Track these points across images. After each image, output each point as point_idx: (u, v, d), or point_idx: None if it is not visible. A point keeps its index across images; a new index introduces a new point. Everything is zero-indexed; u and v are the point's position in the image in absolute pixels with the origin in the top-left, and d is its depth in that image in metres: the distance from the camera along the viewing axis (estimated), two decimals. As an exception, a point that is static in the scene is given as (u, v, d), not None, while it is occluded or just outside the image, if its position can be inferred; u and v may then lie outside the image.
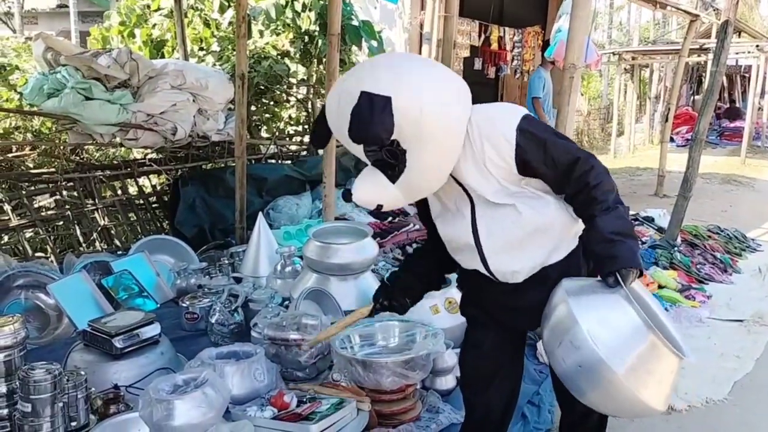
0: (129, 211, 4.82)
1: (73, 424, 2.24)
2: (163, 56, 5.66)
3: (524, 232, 1.85)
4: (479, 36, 7.78)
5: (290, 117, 6.20)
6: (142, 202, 4.98)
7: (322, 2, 5.36)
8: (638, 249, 1.79)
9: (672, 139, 13.29)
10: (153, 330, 2.92)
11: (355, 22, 5.71)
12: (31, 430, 2.08)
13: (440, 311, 3.10)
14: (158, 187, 5.12)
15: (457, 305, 3.16)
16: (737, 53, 14.40)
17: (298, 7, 5.35)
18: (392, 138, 1.68)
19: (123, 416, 2.35)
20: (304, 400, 2.28)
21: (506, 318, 2.07)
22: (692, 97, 17.85)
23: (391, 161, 1.73)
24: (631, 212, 6.13)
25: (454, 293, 3.21)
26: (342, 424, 2.16)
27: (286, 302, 3.45)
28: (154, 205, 5.07)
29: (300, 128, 6.22)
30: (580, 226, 1.88)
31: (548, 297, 1.82)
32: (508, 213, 1.84)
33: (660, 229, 5.45)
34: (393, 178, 1.76)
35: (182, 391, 2.05)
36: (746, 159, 11.90)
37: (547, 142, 1.76)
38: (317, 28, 5.44)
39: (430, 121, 1.71)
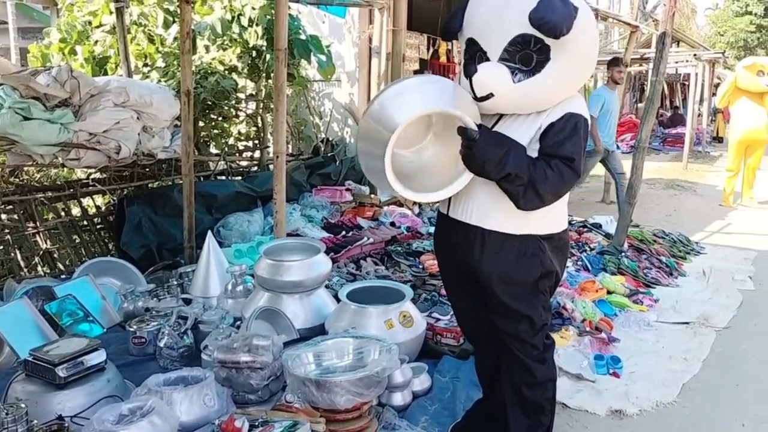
0: (72, 234, 4.66)
1: (14, 458, 2.14)
2: (106, 73, 5.51)
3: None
4: (428, 49, 7.84)
5: (240, 132, 6.12)
6: (86, 223, 4.82)
7: (268, 17, 5.32)
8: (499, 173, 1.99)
9: (617, 147, 13.67)
10: (98, 357, 2.81)
11: (303, 37, 5.68)
12: (-36, 469, 1.97)
13: (395, 325, 3.08)
14: (103, 208, 4.97)
15: (412, 319, 3.17)
16: (677, 62, 14.94)
17: (244, 22, 5.29)
18: (548, 44, 1.93)
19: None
20: (257, 424, 2.22)
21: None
22: (635, 105, 18.40)
23: (531, 60, 1.95)
24: (580, 219, 6.28)
25: (408, 307, 3.21)
26: (295, 448, 2.11)
27: (238, 322, 3.38)
28: (98, 227, 4.91)
29: (250, 143, 6.14)
30: (523, 219, 2.10)
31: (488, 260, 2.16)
32: None
33: (608, 236, 5.57)
34: (519, 78, 1.97)
35: (128, 421, 1.99)
36: (688, 164, 12.31)
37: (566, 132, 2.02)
38: (265, 43, 5.39)
39: (583, 58, 2.04)
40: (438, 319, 3.47)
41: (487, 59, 2.02)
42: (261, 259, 3.40)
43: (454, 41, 8.54)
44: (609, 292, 4.21)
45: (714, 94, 18.70)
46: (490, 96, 2.01)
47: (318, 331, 3.20)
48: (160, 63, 5.77)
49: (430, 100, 2.00)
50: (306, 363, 2.61)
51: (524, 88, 1.99)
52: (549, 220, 2.15)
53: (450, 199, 2.22)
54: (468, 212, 2.16)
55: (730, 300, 4.44)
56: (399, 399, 2.84)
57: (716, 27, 41.71)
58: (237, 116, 6.16)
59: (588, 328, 3.62)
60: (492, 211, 2.12)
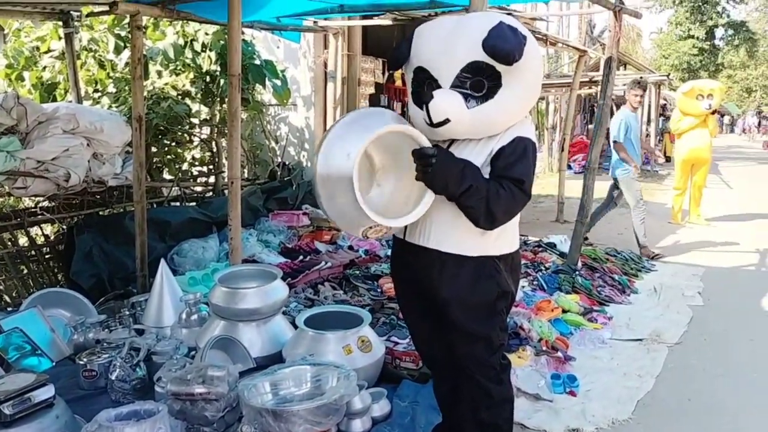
0: (19, 264, 4.51)
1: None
2: (54, 99, 5.39)
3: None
4: (383, 73, 7.93)
5: (194, 158, 6.04)
6: (33, 253, 4.67)
7: (222, 42, 5.30)
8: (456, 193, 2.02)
9: (570, 167, 13.98)
10: (46, 392, 2.71)
11: (257, 62, 5.67)
12: None
13: (353, 351, 3.06)
14: (51, 237, 4.83)
15: (370, 344, 3.15)
16: (624, 84, 15.43)
17: (197, 47, 5.26)
18: (499, 70, 2.00)
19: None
20: (212, 457, 2.17)
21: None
22: (586, 127, 18.88)
23: (482, 87, 2.01)
24: (535, 239, 6.38)
25: (366, 332, 3.19)
26: (252, 480, 2.07)
27: (193, 353, 3.31)
28: (47, 256, 4.76)
29: (204, 169, 6.07)
30: (479, 241, 2.13)
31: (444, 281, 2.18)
32: None
33: (562, 255, 5.67)
34: (472, 103, 2.03)
35: (76, 461, 1.91)
36: (638, 183, 12.63)
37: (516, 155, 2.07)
38: (219, 68, 5.37)
39: (533, 81, 2.12)
40: (397, 343, 3.47)
41: (438, 86, 2.06)
42: (216, 287, 3.35)
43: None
44: (564, 311, 4.27)
45: (661, 115, 19.40)
46: (446, 122, 2.03)
47: (275, 359, 3.16)
48: (111, 89, 5.68)
49: (375, 128, 2.02)
50: (263, 393, 2.56)
51: (479, 113, 2.03)
52: (503, 240, 2.19)
53: (406, 227, 2.23)
54: (425, 236, 2.18)
55: (681, 316, 4.56)
56: (358, 426, 2.81)
57: (661, 50, 43.32)
58: (191, 141, 6.08)
59: (545, 348, 3.66)
60: (449, 234, 2.14)
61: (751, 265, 6.26)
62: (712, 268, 6.02)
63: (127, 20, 5.33)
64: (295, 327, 3.36)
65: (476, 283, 2.16)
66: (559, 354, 3.63)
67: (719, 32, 42.76)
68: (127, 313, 3.97)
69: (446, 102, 2.02)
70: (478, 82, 2.02)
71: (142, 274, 4.43)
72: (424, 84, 2.11)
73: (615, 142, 6.57)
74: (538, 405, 3.14)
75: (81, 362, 3.29)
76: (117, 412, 2.40)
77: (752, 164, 18.57)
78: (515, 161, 2.06)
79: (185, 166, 6.18)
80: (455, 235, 2.15)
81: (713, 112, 8.41)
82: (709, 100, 8.22)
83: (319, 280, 4.61)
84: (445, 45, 2.06)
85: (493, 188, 2.01)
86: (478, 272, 2.16)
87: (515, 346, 3.61)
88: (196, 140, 6.16)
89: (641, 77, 7.70)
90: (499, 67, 1.99)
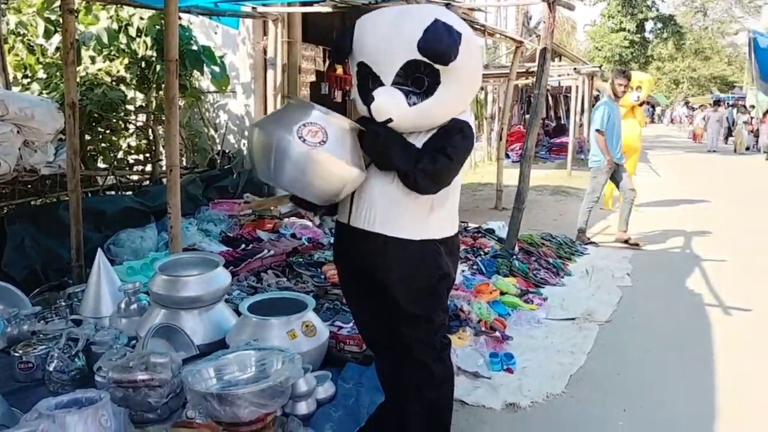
0: (-56, 256, 4.32)
1: None
2: (-21, 85, 5.16)
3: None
4: (324, 61, 7.90)
5: (130, 146, 5.90)
6: (-40, 245, 4.49)
7: (158, 27, 5.18)
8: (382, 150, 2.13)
9: (508, 156, 14.32)
10: (-22, 384, 2.65)
11: (195, 48, 5.57)
12: None
13: (298, 336, 3.09)
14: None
15: (315, 328, 3.19)
16: (559, 75, 15.89)
17: (132, 32, 5.13)
18: (437, 68, 2.04)
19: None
20: (156, 443, 2.18)
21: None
22: (524, 116, 19.32)
23: (422, 84, 2.06)
24: (474, 225, 6.54)
25: (310, 317, 3.23)
26: (198, 463, 2.08)
27: (133, 342, 3.27)
28: (-25, 248, 4.58)
29: (141, 157, 5.94)
30: (421, 224, 2.20)
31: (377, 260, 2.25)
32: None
33: (500, 240, 5.83)
34: (414, 100, 2.09)
35: (16, 450, 1.88)
36: (572, 171, 13.09)
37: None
38: (155, 54, 5.25)
39: (471, 76, 2.18)
40: (341, 327, 3.52)
41: (381, 83, 2.12)
42: (156, 276, 3.31)
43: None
44: (502, 293, 4.42)
45: (594, 105, 20.03)
46: (389, 121, 2.10)
47: (219, 346, 3.15)
48: (41, 74, 5.47)
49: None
50: (207, 378, 2.56)
51: (420, 111, 2.10)
52: (444, 224, 2.26)
53: (350, 208, 2.28)
54: (370, 221, 2.23)
55: (611, 296, 4.79)
56: (303, 408, 2.86)
57: (594, 42, 44.64)
58: (126, 129, 5.94)
59: (483, 328, 3.79)
60: (393, 219, 2.20)
61: (676, 247, 6.60)
62: (640, 251, 6.32)
63: (57, 3, 5.15)
64: (239, 314, 3.37)
65: (419, 265, 2.23)
66: (497, 334, 3.76)
67: (649, 25, 44.44)
68: (64, 304, 3.88)
69: (388, 103, 2.09)
70: (419, 79, 2.08)
71: (77, 264, 4.32)
72: (368, 79, 2.16)
73: (597, 130, 6.55)
74: (477, 382, 3.25)
75: (16, 354, 3.21)
76: (58, 401, 2.36)
77: (680, 152, 19.45)
78: (446, 136, 2.15)
79: (120, 155, 6.03)
80: (399, 220, 2.21)
81: (642, 104, 8.77)
82: (638, 92, 8.55)
83: (262, 268, 4.60)
84: (385, 42, 2.10)
85: (421, 154, 2.10)
86: (421, 255, 2.23)
87: (455, 328, 3.72)
88: (132, 128, 6.01)
89: (623, 69, 7.68)
90: (437, 65, 2.05)
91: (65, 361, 3.09)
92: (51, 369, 3.07)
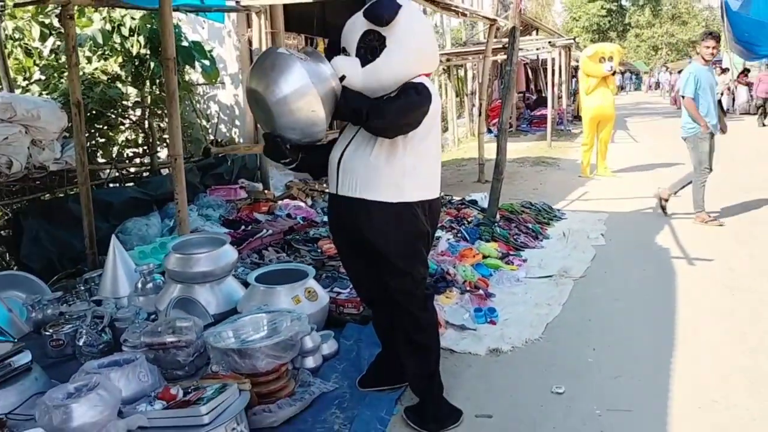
0: (-34, 251, 4.65)
1: (-34, 448, 2.33)
2: (-19, 90, 5.43)
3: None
4: (305, 48, 8.20)
5: (127, 140, 6.20)
6: (-20, 240, 4.82)
7: (149, 27, 5.46)
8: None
9: (489, 131, 14.66)
10: (24, 358, 3.00)
11: (185, 43, 5.86)
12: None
13: (302, 301, 3.46)
14: (-4, 224, 4.97)
15: (316, 294, 3.56)
16: (537, 49, 16.18)
17: (125, 31, 5.40)
18: (384, 34, 2.45)
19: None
20: (189, 390, 2.54)
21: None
22: (503, 91, 19.63)
23: (375, 50, 2.46)
24: (458, 198, 6.91)
25: (311, 283, 3.60)
26: (227, 404, 2.45)
27: (152, 316, 3.63)
28: (-8, 243, 4.91)
29: (138, 150, 6.24)
30: (400, 188, 2.55)
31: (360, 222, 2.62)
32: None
33: (483, 210, 6.21)
34: (365, 63, 2.48)
35: (77, 397, 2.24)
36: (552, 142, 13.47)
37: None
38: (148, 51, 5.53)
39: (415, 45, 2.53)
40: (339, 293, 3.89)
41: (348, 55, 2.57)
42: (170, 254, 3.66)
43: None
44: (485, 257, 4.80)
45: (573, 77, 20.37)
46: (343, 78, 2.50)
47: (230, 315, 3.51)
48: (36, 76, 5.74)
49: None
50: (226, 338, 2.93)
51: (368, 71, 2.50)
52: (420, 190, 2.61)
53: (337, 180, 2.65)
54: (353, 188, 2.60)
55: (586, 254, 5.18)
56: (311, 362, 3.23)
57: (572, 13, 44.86)
58: (123, 124, 6.23)
59: (468, 288, 4.17)
60: (372, 185, 2.56)
61: (648, 208, 7.00)
62: (615, 213, 6.72)
63: (50, 8, 5.42)
64: (246, 286, 3.74)
65: (397, 225, 2.59)
66: (481, 292, 4.15)
67: (625, -7, 44.72)
68: (82, 288, 4.23)
69: (342, 63, 2.51)
70: (372, 48, 2.49)
71: (91, 252, 4.66)
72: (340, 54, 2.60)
73: (683, 97, 6.17)
74: (463, 334, 3.64)
75: (47, 333, 3.55)
76: (100, 362, 2.73)
77: (658, 119, 19.85)
78: (404, 90, 2.50)
79: (117, 149, 6.32)
80: (377, 186, 2.56)
81: (614, 73, 9.15)
82: (610, 62, 8.93)
83: (262, 246, 4.95)
84: (352, 25, 2.57)
85: (389, 99, 2.49)
86: (399, 216, 2.59)
87: (443, 288, 4.10)
88: (127, 122, 6.30)
89: (711, 30, 6.80)
90: (384, 32, 2.46)
91: (93, 336, 3.44)
92: (81, 344, 3.42)
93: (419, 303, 2.73)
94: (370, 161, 2.54)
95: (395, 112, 2.43)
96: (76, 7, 4.64)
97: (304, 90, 2.42)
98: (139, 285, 3.93)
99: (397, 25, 2.44)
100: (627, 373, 3.15)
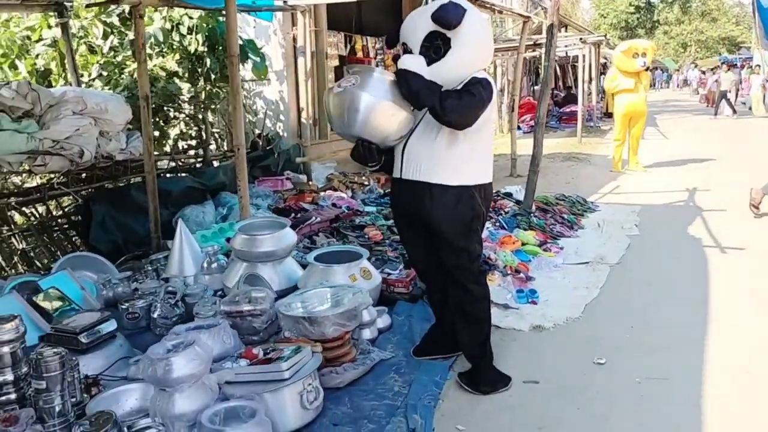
0: (43, 234, 5.02)
1: (72, 399, 2.65)
2: (50, 85, 5.81)
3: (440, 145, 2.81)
4: (345, 46, 8.50)
5: (181, 132, 6.55)
6: (54, 224, 5.18)
7: (207, 25, 5.80)
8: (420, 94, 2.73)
9: (519, 127, 14.84)
10: (111, 326, 3.35)
11: (240, 42, 6.18)
12: (45, 404, 2.48)
13: (357, 279, 3.75)
14: (67, 209, 5.33)
15: (370, 273, 3.85)
16: (566, 46, 16.30)
17: (183, 30, 5.74)
18: (449, 36, 2.70)
19: (113, 390, 2.80)
20: (268, 351, 2.85)
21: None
22: (532, 88, 19.78)
23: (439, 50, 2.73)
24: (494, 191, 7.14)
25: (365, 264, 3.89)
26: (303, 363, 2.75)
27: (219, 292, 3.96)
28: (65, 226, 5.28)
29: (192, 142, 6.60)
30: (459, 172, 2.81)
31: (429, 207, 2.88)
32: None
33: (518, 202, 6.44)
34: (432, 62, 2.73)
35: (176, 351, 2.55)
36: (582, 138, 13.62)
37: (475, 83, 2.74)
38: (206, 49, 5.87)
39: (477, 44, 2.80)
40: (389, 274, 4.17)
41: (411, 53, 2.82)
42: (237, 235, 3.98)
43: (368, 38, 9.24)
44: (523, 244, 5.04)
45: (602, 73, 20.42)
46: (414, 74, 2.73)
47: (291, 291, 3.82)
48: (94, 73, 6.10)
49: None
50: (296, 308, 3.24)
51: (434, 70, 2.75)
52: (476, 174, 2.88)
53: (402, 165, 2.93)
54: (417, 172, 2.87)
55: (620, 243, 5.40)
56: (368, 334, 3.52)
57: (599, 9, 44.60)
58: (176, 118, 6.59)
59: (509, 272, 4.43)
60: (435, 169, 2.83)
61: (680, 201, 7.18)
62: (647, 206, 6.91)
63: (112, 8, 5.79)
64: (303, 268, 4.04)
65: (456, 206, 2.87)
66: (522, 275, 4.40)
67: (654, -10, 44.32)
68: (149, 268, 4.58)
69: (409, 61, 2.75)
70: (436, 47, 2.76)
71: (156, 235, 5.01)
72: (406, 52, 2.85)
73: None
74: (507, 312, 3.90)
75: (123, 307, 3.89)
76: (187, 326, 3.05)
77: (688, 116, 19.82)
78: (471, 84, 2.74)
79: (171, 141, 6.68)
80: (439, 170, 2.84)
81: (647, 69, 9.30)
82: (644, 58, 9.08)
83: (312, 232, 5.26)
84: (414, 25, 2.84)
85: (455, 93, 2.71)
86: (457, 198, 2.86)
87: (486, 271, 4.36)
88: (180, 117, 6.65)
89: None
90: (449, 33, 2.71)
91: (167, 309, 3.77)
92: (155, 316, 3.74)
93: (473, 278, 3.00)
94: (433, 148, 2.81)
95: (467, 108, 2.69)
96: (146, 7, 4.98)
97: (376, 107, 2.70)
98: (205, 265, 4.26)
99: (463, 29, 2.69)
100: (663, 347, 3.38)
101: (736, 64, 26.19)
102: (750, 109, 18.32)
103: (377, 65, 9.36)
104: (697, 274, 4.56)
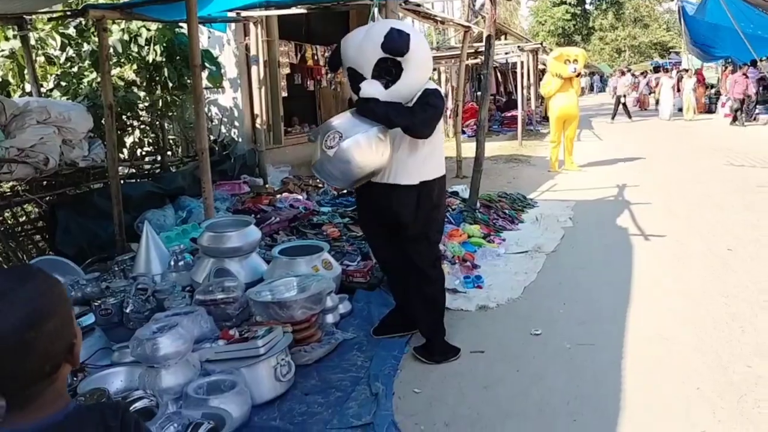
0: (8, 240, 5.17)
1: (65, 382, 2.90)
2: (8, 95, 5.94)
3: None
4: (296, 55, 8.82)
5: (140, 139, 6.75)
6: (20, 230, 5.33)
7: (164, 36, 6.03)
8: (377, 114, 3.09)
9: (464, 131, 15.41)
10: (89, 319, 3.63)
11: (194, 52, 6.43)
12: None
13: (320, 269, 4.09)
14: (31, 216, 5.49)
15: (331, 264, 4.20)
16: (506, 53, 17.00)
17: (141, 41, 5.96)
18: (399, 60, 3.01)
19: (100, 373, 3.07)
20: (244, 332, 3.16)
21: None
22: (475, 94, 20.44)
23: (392, 72, 3.04)
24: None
25: (327, 256, 4.23)
26: (277, 340, 3.08)
27: (187, 288, 4.23)
28: (29, 232, 5.43)
29: (150, 149, 6.80)
30: (419, 173, 3.19)
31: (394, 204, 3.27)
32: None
33: (464, 200, 6.90)
34: (388, 85, 3.07)
35: (161, 332, 2.85)
36: (523, 141, 14.29)
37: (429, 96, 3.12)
38: (164, 59, 6.09)
39: (423, 61, 3.14)
40: (348, 265, 4.53)
41: (363, 78, 3.14)
42: (204, 233, 4.26)
43: (317, 47, 9.51)
44: (469, 237, 5.48)
45: (541, 79, 21.28)
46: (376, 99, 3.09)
47: (257, 284, 4.12)
48: (50, 84, 6.24)
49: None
50: (265, 295, 3.56)
51: (392, 92, 3.10)
52: (434, 169, 3.29)
53: None
54: (383, 177, 3.24)
55: (556, 234, 5.91)
56: (330, 318, 3.87)
57: (537, 17, 46.08)
58: (132, 126, 6.78)
59: (457, 261, 4.85)
60: (400, 173, 3.23)
61: (611, 196, 7.78)
62: (581, 202, 7.47)
63: (69, 21, 5.96)
64: (268, 263, 4.36)
65: (419, 200, 3.26)
66: (468, 264, 4.83)
67: (589, -3, 46.09)
68: (116, 269, 4.79)
69: (370, 88, 3.10)
70: (388, 70, 3.10)
71: (120, 238, 5.22)
72: (355, 77, 3.19)
73: None
74: (455, 296, 4.31)
75: (95, 304, 4.11)
76: (166, 314, 3.33)
77: (621, 118, 20.82)
78: (429, 98, 3.13)
79: (128, 149, 6.86)
80: (404, 174, 3.23)
81: (578, 75, 9.94)
82: (575, 64, 9.71)
83: (272, 231, 5.56)
84: (361, 51, 3.14)
85: (417, 110, 3.10)
86: (420, 193, 3.26)
87: (441, 257, 4.76)
88: (137, 124, 6.84)
89: None
90: (398, 58, 3.05)
91: (139, 304, 4.02)
92: (128, 311, 3.99)
93: (430, 261, 3.39)
94: (397, 155, 3.20)
95: (432, 120, 3.12)
96: (107, 20, 5.17)
97: (368, 157, 3.05)
98: (172, 263, 4.53)
99: (411, 52, 3.03)
100: (591, 319, 3.85)
101: (668, 68, 27.46)
102: (680, 110, 19.42)
103: (327, 73, 9.70)
104: (623, 259, 5.08)
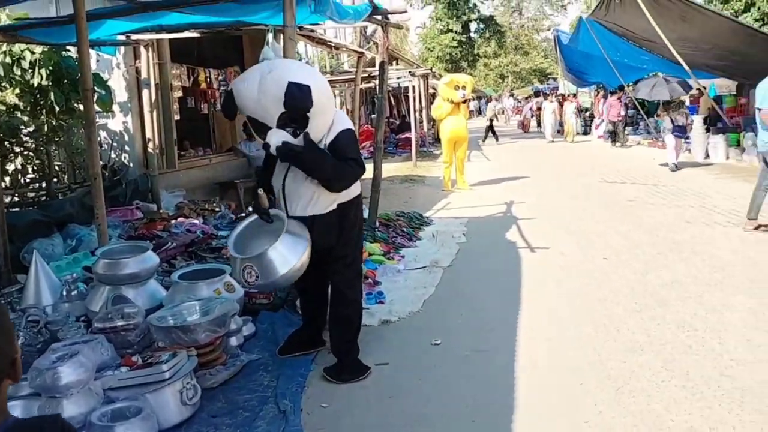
0: None
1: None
2: None
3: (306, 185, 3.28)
4: (189, 78, 8.71)
5: (23, 165, 6.41)
6: None
7: (50, 60, 5.80)
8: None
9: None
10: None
11: (81, 75, 6.21)
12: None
13: (222, 292, 4.08)
14: None
15: (234, 287, 4.20)
16: (398, 78, 17.54)
17: (25, 64, 5.70)
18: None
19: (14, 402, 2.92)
20: (146, 358, 3.12)
21: None
22: (370, 117, 20.88)
23: (296, 120, 3.09)
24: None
25: (228, 279, 4.23)
26: (182, 365, 3.06)
27: (81, 318, 4.09)
28: None
29: (35, 176, 6.47)
30: (336, 197, 3.32)
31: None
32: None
33: (363, 219, 7.06)
34: (296, 133, 3.13)
35: (62, 362, 2.76)
36: (417, 162, 14.75)
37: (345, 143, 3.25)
38: (50, 83, 5.84)
39: (325, 102, 3.19)
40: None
41: (268, 127, 3.18)
42: (99, 260, 4.14)
43: (210, 70, 9.39)
44: (370, 255, 5.64)
45: (431, 103, 22.06)
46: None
47: (156, 311, 4.05)
48: None
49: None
50: (168, 320, 3.51)
51: (304, 138, 3.14)
52: (348, 192, 3.39)
53: (286, 206, 3.37)
54: (301, 209, 3.33)
55: (451, 250, 6.20)
56: (234, 341, 3.87)
57: (426, 43, 47.65)
58: (14, 152, 6.44)
59: (358, 279, 4.98)
60: (313, 204, 3.32)
61: (500, 213, 8.23)
62: (473, 218, 7.86)
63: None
64: (167, 289, 4.29)
65: (339, 223, 3.38)
66: (370, 281, 4.97)
67: (473, 26, 48.27)
68: (3, 301, 4.54)
69: (279, 137, 3.14)
70: (294, 119, 3.14)
71: (6, 269, 4.95)
72: (259, 126, 3.23)
73: (759, 109, 5.68)
74: (358, 312, 4.43)
75: (-19, 340, 3.89)
76: (63, 344, 3.21)
77: (507, 140, 21.97)
78: (347, 146, 3.26)
79: (10, 176, 6.50)
80: (317, 204, 3.32)
81: (465, 101, 10.48)
82: (464, 90, 10.23)
83: (169, 257, 5.45)
84: (261, 105, 3.15)
85: (339, 167, 3.20)
86: (339, 217, 3.37)
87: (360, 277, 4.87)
88: (17, 151, 6.51)
89: None
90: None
91: (31, 337, 3.84)
92: (19, 344, 3.80)
93: (347, 282, 3.50)
94: (309, 186, 3.28)
95: (350, 179, 3.29)
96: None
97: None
98: (64, 293, 4.35)
99: (314, 103, 3.09)
100: (486, 327, 4.10)
101: (547, 93, 29.18)
102: (560, 132, 20.76)
103: (221, 96, 9.63)
104: (512, 270, 5.41)
